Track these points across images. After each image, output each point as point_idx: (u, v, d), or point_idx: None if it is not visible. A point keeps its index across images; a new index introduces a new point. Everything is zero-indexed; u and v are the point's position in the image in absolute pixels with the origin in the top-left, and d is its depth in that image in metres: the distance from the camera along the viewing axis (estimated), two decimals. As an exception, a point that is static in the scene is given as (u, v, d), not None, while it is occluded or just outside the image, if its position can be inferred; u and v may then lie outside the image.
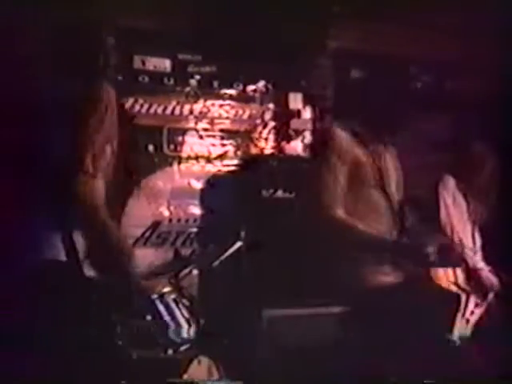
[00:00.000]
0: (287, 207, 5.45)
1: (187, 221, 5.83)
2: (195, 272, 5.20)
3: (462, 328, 4.83)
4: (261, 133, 6.27)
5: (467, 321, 4.96)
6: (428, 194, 5.50)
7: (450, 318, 4.73)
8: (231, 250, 4.98)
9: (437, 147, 6.44)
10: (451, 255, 4.52)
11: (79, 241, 3.33)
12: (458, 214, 5.39)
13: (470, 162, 5.58)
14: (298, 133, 6.44)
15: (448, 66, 6.73)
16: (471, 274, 5.24)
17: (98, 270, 3.32)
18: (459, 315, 4.84)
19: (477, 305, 5.11)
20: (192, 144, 5.95)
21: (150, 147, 5.78)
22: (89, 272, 3.32)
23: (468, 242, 5.38)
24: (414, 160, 5.65)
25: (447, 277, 5.12)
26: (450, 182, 5.46)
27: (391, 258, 4.42)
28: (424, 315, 4.23)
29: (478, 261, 5.34)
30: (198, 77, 6.00)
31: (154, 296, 4.59)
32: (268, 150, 6.27)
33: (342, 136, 4.42)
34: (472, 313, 5.02)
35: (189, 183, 5.88)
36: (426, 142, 6.55)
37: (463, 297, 4.94)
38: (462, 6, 6.13)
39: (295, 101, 6.47)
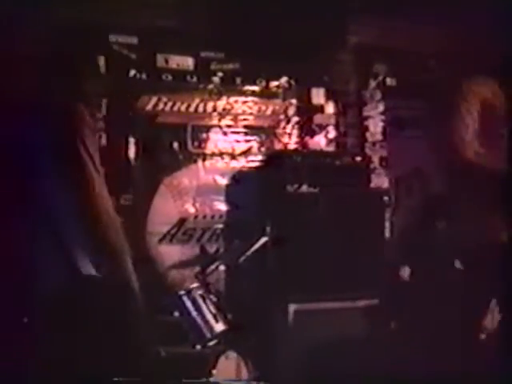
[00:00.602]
0: (312, 202, 5.46)
1: (213, 217, 5.85)
2: (222, 268, 5.24)
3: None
4: (284, 128, 6.28)
5: None
6: None
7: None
8: (257, 246, 5.02)
9: None
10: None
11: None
12: None
13: None
14: (322, 128, 6.45)
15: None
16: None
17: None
18: None
19: None
20: (216, 141, 5.97)
21: (175, 145, 5.82)
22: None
23: None
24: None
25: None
26: None
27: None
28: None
29: None
30: (220, 74, 6.03)
31: (182, 292, 4.65)
32: (292, 146, 6.28)
33: None
34: None
35: (214, 180, 5.91)
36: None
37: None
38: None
39: (318, 96, 6.48)
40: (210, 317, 4.61)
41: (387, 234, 5.90)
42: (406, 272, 5.52)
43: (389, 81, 6.67)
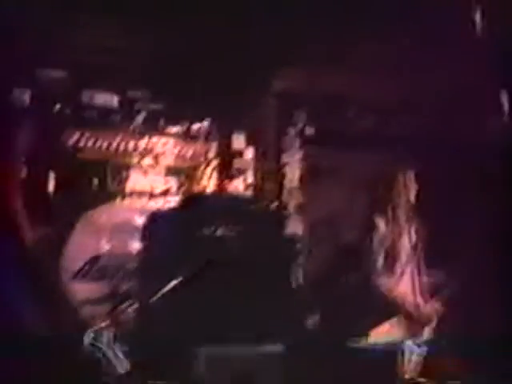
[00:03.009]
0: (228, 245, 5.49)
1: (127, 256, 5.84)
2: (133, 307, 5.23)
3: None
4: (203, 171, 6.33)
5: None
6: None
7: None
8: (169, 287, 5.03)
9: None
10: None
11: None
12: None
13: None
14: (240, 172, 6.53)
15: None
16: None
17: None
18: None
19: None
20: (135, 180, 5.99)
21: (95, 181, 5.81)
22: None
23: None
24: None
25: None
26: None
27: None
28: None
29: None
30: (144, 113, 6.07)
31: (92, 329, 4.63)
32: (210, 188, 6.33)
33: None
34: None
35: (131, 219, 5.90)
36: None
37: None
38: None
39: (238, 141, 6.56)
40: (119, 355, 4.60)
41: (299, 281, 5.96)
42: (314, 320, 5.61)
43: (308, 129, 6.78)
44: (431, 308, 5.54)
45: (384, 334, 5.45)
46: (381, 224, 6.19)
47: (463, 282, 5.55)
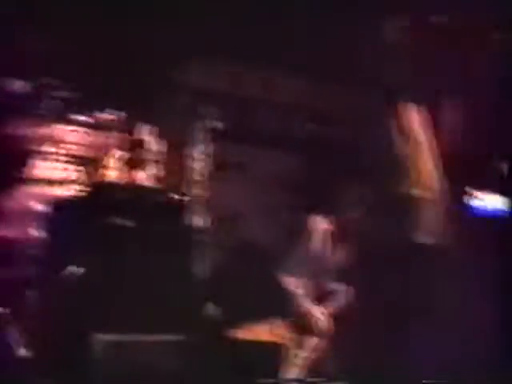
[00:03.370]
0: (129, 236, 5.50)
1: (27, 243, 5.80)
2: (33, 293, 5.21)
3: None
4: (107, 160, 6.33)
5: None
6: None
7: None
8: (68, 274, 5.02)
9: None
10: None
11: None
12: None
13: None
14: (144, 163, 6.55)
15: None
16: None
17: None
18: None
19: None
20: (38, 167, 5.95)
21: (-1, 167, 5.77)
22: None
23: None
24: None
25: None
26: None
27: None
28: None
29: None
30: (50, 101, 6.03)
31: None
32: (113, 178, 6.33)
33: None
34: None
35: (31, 206, 5.86)
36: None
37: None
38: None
39: (143, 132, 6.58)
40: (17, 340, 4.58)
41: (200, 272, 6.01)
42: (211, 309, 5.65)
43: (216, 124, 6.83)
44: (327, 322, 5.58)
45: (268, 333, 5.50)
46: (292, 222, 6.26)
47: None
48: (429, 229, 5.32)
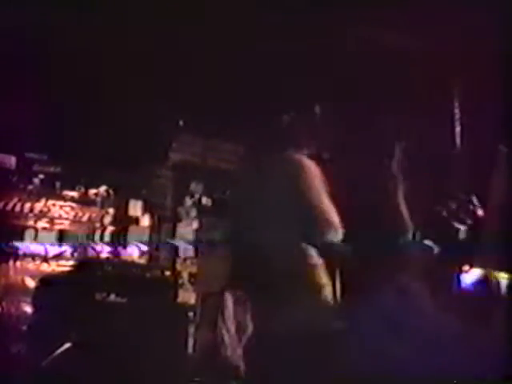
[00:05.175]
0: (119, 312, 5.47)
1: (18, 318, 5.76)
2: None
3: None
4: (99, 236, 6.34)
5: None
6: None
7: None
8: (60, 351, 4.97)
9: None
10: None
11: None
12: None
13: None
14: (136, 239, 6.56)
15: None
16: None
17: None
18: None
19: None
20: (29, 242, 5.95)
21: (-12, 242, 5.76)
22: None
23: None
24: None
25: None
26: None
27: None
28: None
29: None
30: (41, 176, 6.06)
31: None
32: (104, 254, 6.33)
33: None
34: None
35: (23, 281, 5.84)
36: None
37: None
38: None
39: (135, 208, 6.61)
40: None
41: (190, 349, 5.97)
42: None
43: (204, 200, 6.87)
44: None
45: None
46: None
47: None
48: None
